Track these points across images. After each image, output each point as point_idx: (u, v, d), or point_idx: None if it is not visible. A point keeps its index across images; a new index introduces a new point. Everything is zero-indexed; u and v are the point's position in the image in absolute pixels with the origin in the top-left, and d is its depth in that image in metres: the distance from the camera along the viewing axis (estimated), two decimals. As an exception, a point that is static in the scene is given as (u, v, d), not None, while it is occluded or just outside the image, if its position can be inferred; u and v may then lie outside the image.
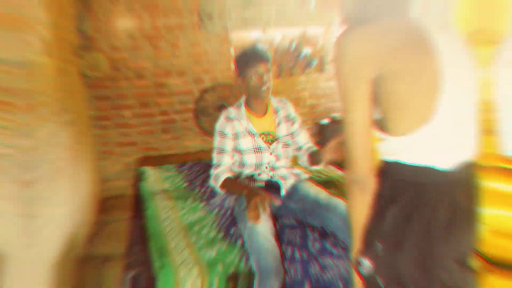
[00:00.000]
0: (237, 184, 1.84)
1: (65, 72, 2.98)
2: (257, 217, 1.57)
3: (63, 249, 2.45)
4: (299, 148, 2.07)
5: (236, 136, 1.95)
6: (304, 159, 2.02)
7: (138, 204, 2.33)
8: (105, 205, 3.80)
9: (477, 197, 1.04)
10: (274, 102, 2.04)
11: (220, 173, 1.90)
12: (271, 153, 1.97)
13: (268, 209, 1.63)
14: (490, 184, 2.25)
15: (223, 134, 1.95)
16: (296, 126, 2.05)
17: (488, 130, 1.63)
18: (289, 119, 2.04)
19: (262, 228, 1.61)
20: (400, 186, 0.97)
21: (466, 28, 2.28)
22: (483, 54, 1.60)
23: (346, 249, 1.59)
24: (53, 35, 2.69)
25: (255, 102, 1.97)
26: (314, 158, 1.93)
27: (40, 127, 2.21)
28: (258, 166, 1.98)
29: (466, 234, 1.01)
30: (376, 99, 0.95)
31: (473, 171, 1.04)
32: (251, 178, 1.99)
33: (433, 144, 0.93)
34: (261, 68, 1.85)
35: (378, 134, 1.01)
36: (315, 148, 2.02)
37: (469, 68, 0.98)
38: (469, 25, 1.97)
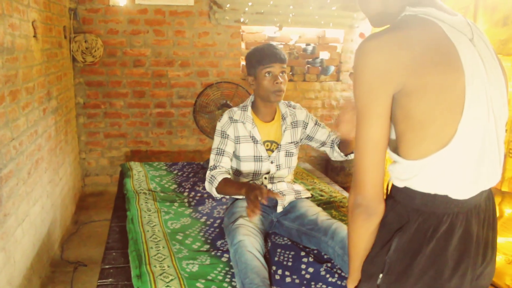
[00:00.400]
0: (235, 184, 1.83)
1: (53, 56, 2.99)
2: (255, 209, 1.53)
3: (37, 251, 2.44)
4: (322, 144, 2.09)
5: (237, 140, 1.96)
6: (336, 154, 2.03)
7: (120, 204, 2.33)
8: (84, 202, 3.80)
9: (494, 226, 1.04)
10: (282, 106, 2.04)
11: (217, 174, 1.89)
12: (271, 162, 1.98)
13: (266, 200, 1.59)
14: (509, 211, 2.24)
15: (224, 135, 1.95)
16: (311, 126, 2.06)
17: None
18: (297, 125, 2.04)
19: (251, 245, 1.60)
20: (410, 214, 0.97)
21: (497, 38, 2.25)
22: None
23: (342, 277, 1.58)
24: (42, 17, 2.71)
25: (263, 105, 1.97)
26: (343, 145, 1.97)
27: (20, 116, 2.22)
28: (255, 175, 1.99)
29: (480, 266, 1.01)
30: (392, 116, 0.95)
31: (492, 199, 1.04)
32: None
33: (450, 170, 0.93)
34: (275, 68, 1.85)
35: (389, 155, 1.01)
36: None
37: (500, 84, 0.97)
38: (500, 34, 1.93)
